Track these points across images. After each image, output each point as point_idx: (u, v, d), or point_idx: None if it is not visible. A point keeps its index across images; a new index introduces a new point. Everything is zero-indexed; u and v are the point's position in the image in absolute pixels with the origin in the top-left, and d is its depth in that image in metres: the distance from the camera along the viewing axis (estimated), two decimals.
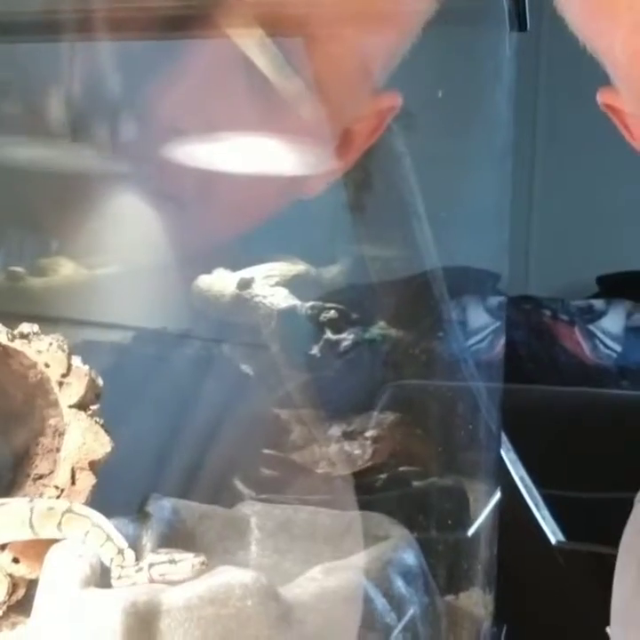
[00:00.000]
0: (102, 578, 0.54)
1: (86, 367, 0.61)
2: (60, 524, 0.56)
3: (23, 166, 0.84)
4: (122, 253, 0.89)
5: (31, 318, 0.68)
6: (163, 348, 0.97)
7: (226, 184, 0.81)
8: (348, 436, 1.01)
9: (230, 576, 0.51)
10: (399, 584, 0.58)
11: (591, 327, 2.01)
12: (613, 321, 2.00)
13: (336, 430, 1.01)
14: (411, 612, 0.58)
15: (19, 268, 0.96)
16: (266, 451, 0.89)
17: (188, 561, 0.54)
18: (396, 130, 0.87)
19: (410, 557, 0.60)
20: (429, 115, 0.88)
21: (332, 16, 0.75)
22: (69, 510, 0.57)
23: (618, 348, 1.96)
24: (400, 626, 0.56)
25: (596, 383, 1.80)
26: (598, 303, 2.07)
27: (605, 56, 0.68)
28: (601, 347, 1.98)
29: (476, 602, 0.73)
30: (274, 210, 0.88)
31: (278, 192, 0.86)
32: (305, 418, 0.98)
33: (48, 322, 0.77)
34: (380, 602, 0.55)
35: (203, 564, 0.54)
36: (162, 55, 0.79)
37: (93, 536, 0.56)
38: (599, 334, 2.00)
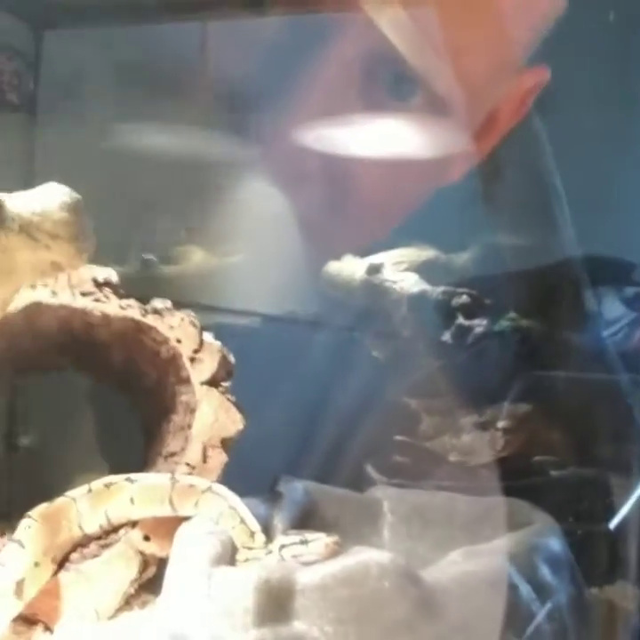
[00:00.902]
0: (233, 558, 0.52)
1: (218, 343, 0.60)
2: (197, 502, 0.56)
3: (156, 154, 0.84)
4: (252, 241, 0.89)
5: None
6: (293, 333, 0.97)
7: (370, 176, 0.80)
8: (479, 426, 0.98)
9: (367, 556, 0.49)
10: (545, 571, 0.54)
11: None
12: None
13: (467, 420, 0.99)
14: (556, 601, 0.54)
15: (152, 256, 0.97)
16: (398, 437, 0.87)
17: (320, 541, 0.52)
18: (533, 109, 0.84)
19: (555, 544, 0.57)
20: (570, 91, 0.84)
21: None
22: (209, 489, 0.56)
23: None
24: (545, 614, 0.53)
25: None
26: None
27: None
28: None
29: (623, 595, 0.69)
30: (420, 199, 0.86)
31: (423, 181, 0.84)
32: (436, 407, 0.96)
33: (180, 308, 0.77)
34: (525, 589, 0.52)
35: (336, 543, 0.52)
36: (297, 40, 0.78)
37: (227, 517, 0.55)
38: None
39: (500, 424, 0.97)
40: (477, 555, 0.52)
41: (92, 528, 0.56)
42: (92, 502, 0.56)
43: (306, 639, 0.47)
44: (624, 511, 0.81)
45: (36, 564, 0.52)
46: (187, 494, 0.56)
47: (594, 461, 0.88)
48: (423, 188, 0.85)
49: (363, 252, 1.11)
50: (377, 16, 0.73)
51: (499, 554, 0.52)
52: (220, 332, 0.82)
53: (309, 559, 0.52)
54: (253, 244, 0.90)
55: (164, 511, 0.56)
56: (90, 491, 0.56)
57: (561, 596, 0.55)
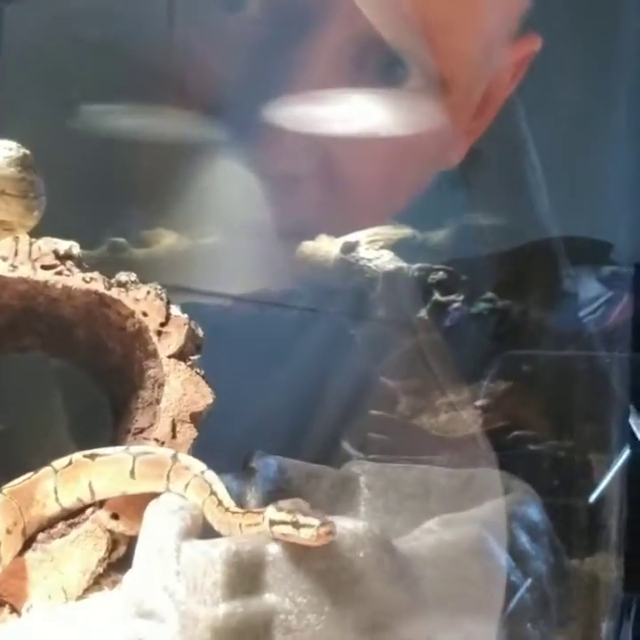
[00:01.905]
0: (203, 531, 0.51)
1: (185, 316, 0.59)
2: (188, 484, 0.54)
3: (126, 135, 0.82)
4: (224, 222, 0.87)
5: None
6: (267, 312, 0.95)
7: (367, 159, 0.78)
8: (457, 405, 0.98)
9: (341, 526, 0.47)
10: (524, 540, 0.53)
11: None
12: None
13: (445, 400, 0.98)
14: (536, 569, 0.53)
15: (122, 239, 0.95)
16: (374, 412, 0.86)
17: (312, 528, 0.47)
18: (517, 97, 0.83)
19: (534, 512, 0.56)
20: (547, 68, 0.83)
21: None
22: (202, 474, 0.54)
23: None
24: (526, 585, 0.52)
25: None
26: None
27: None
28: None
29: (603, 566, 0.68)
30: (420, 183, 0.85)
31: (422, 163, 0.82)
32: (413, 387, 0.95)
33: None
34: (504, 557, 0.51)
35: (329, 533, 0.47)
36: (280, 21, 0.76)
37: (196, 488, 0.54)
38: None
39: (479, 402, 0.96)
40: (454, 523, 0.51)
41: (69, 502, 0.55)
42: (72, 474, 0.55)
43: (277, 611, 0.45)
44: (603, 484, 0.80)
45: (8, 531, 0.51)
46: (181, 475, 0.55)
47: (572, 437, 0.87)
48: (423, 170, 0.84)
49: (338, 231, 1.10)
50: None
51: (476, 522, 0.50)
52: (191, 313, 0.80)
53: (297, 542, 0.48)
54: (226, 226, 0.89)
55: (160, 487, 0.55)
56: (70, 463, 0.55)
57: (540, 565, 0.54)
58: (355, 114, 0.79)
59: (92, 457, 0.54)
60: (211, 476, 0.55)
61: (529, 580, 0.52)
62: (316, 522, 0.47)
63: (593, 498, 0.78)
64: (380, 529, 0.48)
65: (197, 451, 0.59)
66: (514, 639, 0.49)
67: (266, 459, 0.63)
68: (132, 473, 0.54)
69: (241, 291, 0.95)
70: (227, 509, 0.53)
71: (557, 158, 0.86)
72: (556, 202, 0.85)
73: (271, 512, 0.49)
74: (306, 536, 0.47)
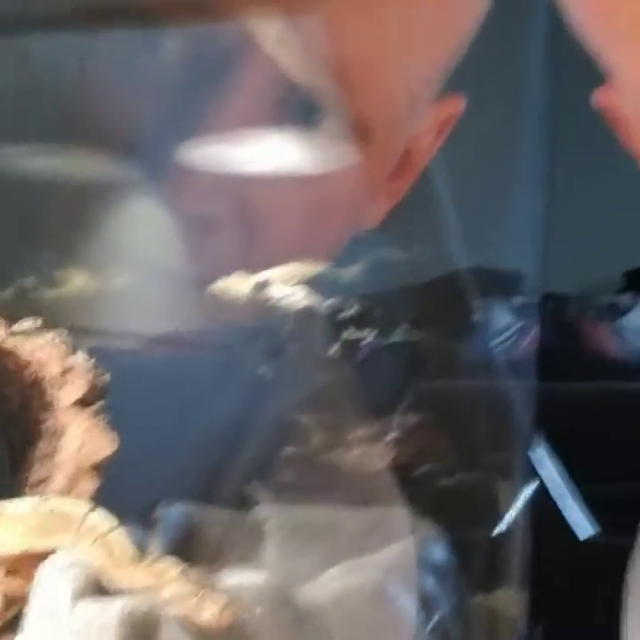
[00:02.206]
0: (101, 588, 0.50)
1: (88, 363, 0.58)
2: (72, 530, 0.53)
3: (34, 176, 0.82)
4: (137, 262, 0.87)
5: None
6: (176, 354, 0.95)
7: (273, 214, 0.78)
8: (369, 439, 0.99)
9: (238, 580, 0.47)
10: (428, 581, 0.54)
11: (618, 323, 1.97)
12: None
13: (357, 434, 0.99)
14: (441, 611, 0.54)
15: (32, 280, 0.94)
16: (286, 450, 0.86)
17: (215, 606, 0.46)
18: None
19: (438, 553, 0.57)
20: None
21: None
22: (83, 513, 0.53)
23: None
24: (429, 626, 0.52)
25: (625, 379, 1.77)
26: (625, 298, 2.03)
27: (604, 57, 0.64)
28: (628, 342, 1.95)
29: (508, 601, 0.69)
30: (339, 238, 0.85)
31: (340, 214, 0.82)
32: (326, 421, 0.96)
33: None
34: (406, 602, 0.51)
35: (232, 613, 0.46)
36: (196, 59, 0.76)
37: (102, 543, 0.53)
38: (626, 330, 1.96)
39: (390, 436, 0.97)
40: (357, 569, 0.51)
41: None
42: None
43: None
44: (508, 517, 0.82)
45: None
46: (87, 530, 0.53)
47: (480, 468, 0.89)
48: (342, 221, 0.84)
49: (250, 269, 1.10)
50: (262, 37, 0.71)
51: (379, 566, 0.51)
52: (100, 356, 0.79)
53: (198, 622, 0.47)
54: (138, 266, 0.88)
55: (64, 543, 0.53)
56: None
57: (444, 607, 0.55)
58: (271, 155, 0.79)
59: None
60: (117, 530, 0.54)
61: (432, 624, 0.53)
62: (220, 600, 0.46)
63: (498, 531, 0.80)
64: (280, 580, 0.48)
65: (100, 501, 0.58)
66: None
67: (171, 506, 0.63)
68: (34, 529, 0.53)
69: (152, 332, 0.94)
70: (129, 563, 0.52)
71: (464, 192, 0.87)
72: (464, 235, 0.87)
73: (174, 587, 0.48)
74: (207, 614, 0.46)
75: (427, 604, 0.53)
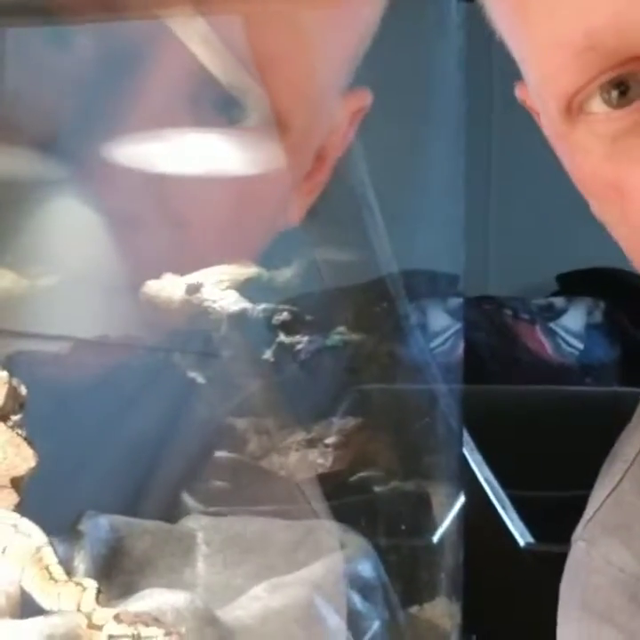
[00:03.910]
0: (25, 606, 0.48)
1: (5, 374, 0.56)
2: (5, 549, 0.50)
3: None
4: (65, 263, 0.84)
5: None
6: (105, 357, 0.92)
7: (195, 213, 0.77)
8: (308, 443, 0.98)
9: (161, 600, 0.45)
10: (355, 599, 0.53)
11: (552, 325, 2.00)
12: (574, 318, 1.99)
13: (295, 438, 0.97)
14: (368, 628, 0.53)
15: None
16: (220, 454, 0.84)
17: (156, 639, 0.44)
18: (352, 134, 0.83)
19: (366, 569, 0.56)
20: (377, 103, 0.84)
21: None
22: (15, 527, 0.50)
23: (579, 345, 1.95)
24: None
25: (559, 381, 1.80)
26: (559, 301, 2.06)
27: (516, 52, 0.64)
28: (563, 345, 1.97)
29: (442, 612, 0.69)
30: (256, 247, 0.84)
31: (259, 228, 0.81)
32: (262, 426, 0.94)
33: None
34: (334, 620, 0.50)
35: None
36: (112, 51, 0.74)
37: (18, 554, 0.50)
38: (560, 332, 1.99)
39: (329, 440, 0.96)
40: (282, 587, 0.50)
41: None
42: None
43: None
44: (444, 525, 0.81)
45: None
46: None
47: (417, 475, 0.88)
48: (265, 218, 0.83)
49: (182, 271, 1.08)
50: (182, 31, 0.70)
51: (305, 584, 0.50)
52: (23, 359, 0.77)
53: None
54: (66, 266, 0.86)
55: None
56: None
57: (373, 623, 0.54)
58: (191, 153, 0.77)
59: None
60: (47, 546, 0.51)
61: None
62: (159, 631, 0.44)
63: (432, 540, 0.79)
64: (203, 600, 0.46)
65: (23, 514, 0.56)
66: None
67: (96, 518, 0.61)
68: None
69: (81, 334, 0.92)
70: (50, 579, 0.50)
71: (401, 195, 0.87)
72: (401, 237, 0.87)
73: (111, 627, 0.45)
74: None
75: (355, 622, 0.52)
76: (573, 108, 0.59)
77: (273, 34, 0.71)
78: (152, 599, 0.46)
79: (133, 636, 0.44)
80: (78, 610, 0.46)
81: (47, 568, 0.49)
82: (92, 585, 0.47)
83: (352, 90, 0.79)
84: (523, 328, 2.02)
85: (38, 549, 0.50)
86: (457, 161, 0.85)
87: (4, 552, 0.50)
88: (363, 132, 0.83)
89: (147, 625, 0.44)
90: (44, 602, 0.49)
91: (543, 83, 0.61)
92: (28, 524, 0.51)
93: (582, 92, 0.58)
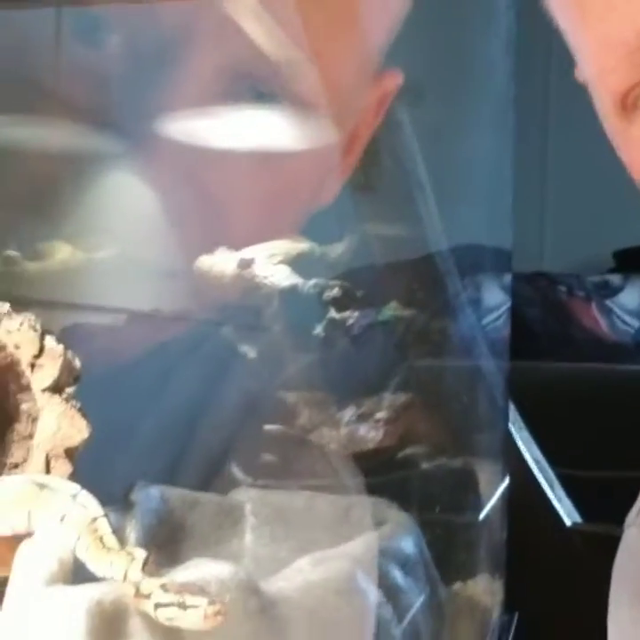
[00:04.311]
0: (78, 572, 0.50)
1: (60, 347, 0.58)
2: (33, 509, 0.52)
3: (16, 146, 0.80)
4: (120, 237, 0.86)
5: (26, 303, 0.65)
6: (158, 330, 0.94)
7: (237, 191, 0.78)
8: (358, 418, 0.98)
9: (206, 570, 0.47)
10: (395, 574, 0.54)
11: (608, 303, 1.97)
12: (630, 296, 1.96)
13: (346, 413, 0.98)
14: (408, 603, 0.54)
15: (14, 253, 0.92)
16: (267, 428, 0.85)
17: (199, 609, 0.45)
18: (403, 106, 0.83)
19: (407, 545, 0.57)
20: (432, 84, 0.84)
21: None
22: (44, 488, 0.51)
23: (635, 323, 1.93)
24: (397, 619, 0.52)
25: (613, 359, 1.77)
26: (615, 278, 2.03)
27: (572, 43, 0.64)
28: (618, 323, 1.95)
29: (485, 589, 0.69)
30: (293, 223, 0.85)
31: (297, 207, 0.82)
32: (313, 401, 0.95)
33: (43, 306, 0.74)
34: (374, 594, 0.51)
35: (217, 613, 0.45)
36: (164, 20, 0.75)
37: (74, 522, 0.52)
38: (616, 310, 1.96)
39: (379, 415, 0.97)
40: (324, 561, 0.51)
41: None
42: None
43: None
44: (489, 503, 0.82)
45: None
46: (53, 507, 0.52)
47: (464, 452, 0.89)
48: (299, 207, 0.84)
49: (235, 246, 1.09)
50: (233, 8, 0.71)
51: (347, 559, 0.51)
52: (80, 332, 0.78)
53: (184, 626, 0.46)
54: (121, 240, 0.87)
55: (25, 526, 0.52)
56: None
57: (413, 598, 0.55)
58: (236, 130, 0.78)
59: None
60: (102, 516, 0.53)
61: (399, 615, 0.53)
62: (203, 601, 0.45)
63: (478, 517, 0.79)
64: (247, 572, 0.48)
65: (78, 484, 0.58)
66: None
67: (147, 489, 0.62)
68: (12, 510, 0.52)
69: (135, 307, 0.93)
70: (103, 547, 0.51)
71: (458, 171, 0.87)
72: (456, 212, 0.87)
73: (158, 594, 0.46)
74: (194, 617, 0.45)
75: (396, 596, 0.53)
76: (628, 105, 0.60)
77: (321, 11, 0.72)
78: (197, 569, 0.48)
79: (179, 603, 0.45)
80: (125, 579, 0.48)
81: (101, 538, 0.51)
82: (141, 554, 0.49)
83: (384, 70, 0.79)
84: (577, 305, 2.00)
85: (94, 520, 0.52)
86: (506, 136, 0.85)
87: (62, 520, 0.52)
88: (414, 110, 0.83)
89: (192, 594, 0.45)
90: (95, 569, 0.51)
91: (598, 78, 0.62)
92: (86, 495, 0.53)
93: (636, 89, 0.59)
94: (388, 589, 0.52)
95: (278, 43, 0.73)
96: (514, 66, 0.81)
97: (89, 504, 0.53)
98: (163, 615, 0.46)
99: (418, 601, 0.55)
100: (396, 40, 0.78)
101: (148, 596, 0.47)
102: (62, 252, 0.95)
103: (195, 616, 0.45)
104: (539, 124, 2.00)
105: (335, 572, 0.49)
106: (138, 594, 0.47)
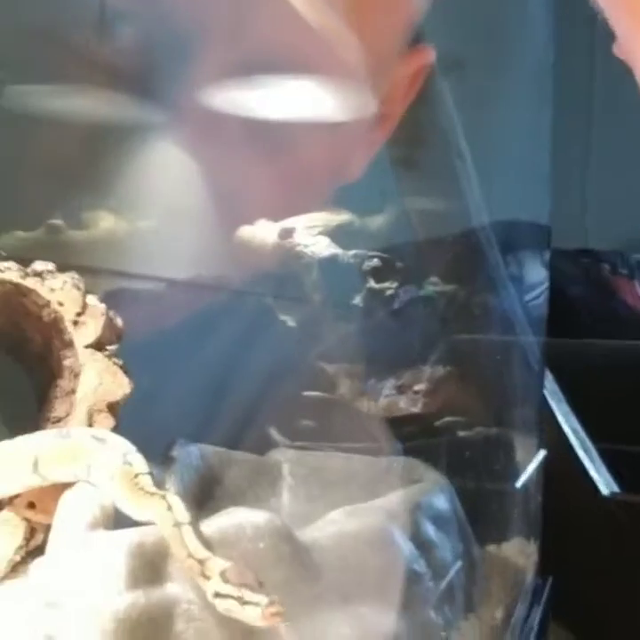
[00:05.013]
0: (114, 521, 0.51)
1: (102, 306, 0.59)
2: (81, 461, 0.53)
3: (61, 116, 0.81)
4: (163, 206, 0.87)
5: (69, 270, 0.66)
6: (199, 297, 0.95)
7: (282, 146, 0.78)
8: (397, 389, 0.99)
9: (242, 516, 0.48)
10: (428, 529, 0.55)
11: None
12: None
13: (385, 384, 0.99)
14: (441, 558, 0.55)
15: (59, 222, 0.94)
16: (306, 394, 0.86)
17: (259, 607, 0.43)
18: (445, 80, 0.83)
19: (441, 502, 0.57)
20: (471, 55, 0.83)
21: None
22: (94, 440, 0.52)
23: None
24: (430, 573, 0.53)
25: None
26: None
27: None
28: None
29: (519, 552, 0.70)
30: (318, 198, 0.85)
31: (327, 177, 0.82)
32: (353, 371, 0.96)
33: (87, 273, 0.75)
34: (407, 547, 0.52)
35: (277, 614, 0.43)
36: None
37: (118, 473, 0.52)
38: None
39: (418, 387, 0.97)
40: (358, 513, 0.52)
41: None
42: None
43: (180, 601, 0.46)
44: (525, 472, 0.82)
45: None
46: (99, 459, 0.53)
47: (502, 423, 0.89)
48: (327, 182, 0.84)
49: (276, 217, 1.10)
50: None
51: (379, 512, 0.51)
52: (124, 296, 0.80)
53: (241, 619, 0.45)
54: (163, 209, 0.88)
55: (73, 476, 0.53)
56: None
57: (446, 553, 0.55)
58: (275, 100, 0.79)
59: None
60: (134, 457, 0.53)
61: (432, 569, 0.54)
62: (263, 600, 0.44)
63: (514, 484, 0.80)
64: (282, 520, 0.48)
65: None
66: (415, 626, 0.50)
67: (187, 447, 0.63)
68: (57, 459, 0.53)
69: (176, 275, 0.95)
70: (139, 490, 0.51)
71: (501, 146, 0.86)
72: (499, 188, 0.86)
73: (216, 583, 0.45)
74: (252, 614, 0.44)
75: (429, 551, 0.54)
76: None
77: None
78: (233, 516, 0.49)
79: (238, 598, 0.44)
80: (189, 556, 0.46)
81: (137, 482, 0.52)
82: (176, 500, 0.50)
83: (417, 45, 0.79)
84: (621, 283, 1.98)
85: (130, 463, 0.53)
86: (547, 107, 0.84)
87: (108, 472, 0.53)
88: (454, 85, 0.83)
89: (252, 590, 0.44)
90: (131, 512, 0.51)
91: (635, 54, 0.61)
92: (135, 454, 0.54)
93: None
94: (422, 544, 0.53)
95: (320, 10, 0.73)
96: (554, 33, 0.80)
97: (136, 461, 0.53)
98: (220, 605, 0.45)
99: (451, 556, 0.55)
100: (435, 10, 0.77)
101: (208, 578, 0.46)
102: (106, 222, 0.96)
103: (253, 613, 0.44)
104: (583, 96, 1.97)
105: (368, 523, 0.50)
106: (201, 573, 0.46)
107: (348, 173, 0.82)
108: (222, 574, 0.46)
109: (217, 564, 0.46)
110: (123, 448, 0.54)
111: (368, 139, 0.80)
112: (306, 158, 0.79)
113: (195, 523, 0.48)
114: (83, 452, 0.53)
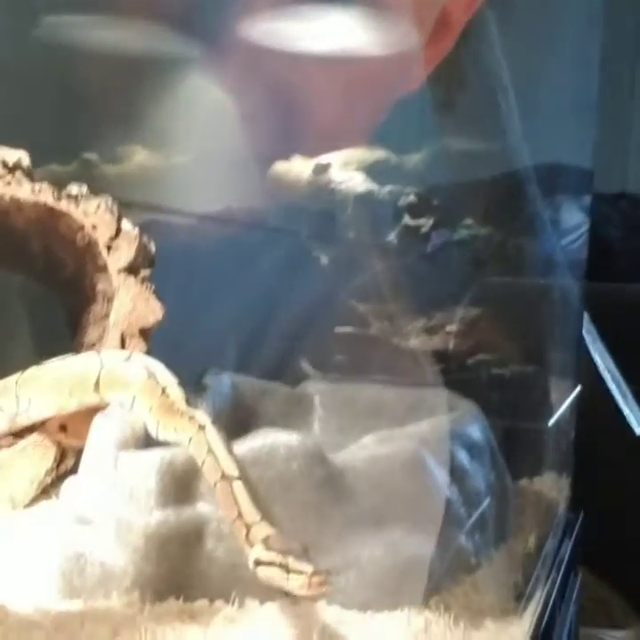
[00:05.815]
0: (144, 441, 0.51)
1: (136, 230, 0.58)
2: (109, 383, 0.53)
3: (99, 48, 0.81)
4: (196, 140, 0.86)
5: None
6: (234, 232, 0.95)
7: (323, 80, 0.77)
8: (429, 330, 0.98)
9: (275, 437, 0.48)
10: (461, 456, 0.54)
11: None
12: None
13: (417, 324, 0.98)
14: (474, 486, 0.54)
15: (94, 155, 0.93)
16: (338, 329, 0.86)
17: (303, 576, 0.41)
18: (491, 19, 0.81)
19: (475, 431, 0.57)
20: None
21: None
22: (127, 360, 0.53)
23: None
24: (462, 499, 0.53)
25: None
26: None
27: None
28: None
29: (551, 486, 0.69)
30: (380, 107, 0.83)
31: (381, 84, 0.81)
32: (384, 311, 0.95)
33: (120, 206, 0.75)
34: (438, 473, 0.51)
35: (322, 583, 0.41)
36: None
37: (148, 391, 0.52)
38: None
39: (450, 328, 0.96)
40: (390, 439, 0.51)
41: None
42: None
43: (210, 519, 0.46)
44: (559, 409, 0.82)
45: None
46: (128, 380, 0.53)
47: (536, 362, 0.88)
48: (381, 93, 0.82)
49: (311, 152, 1.09)
50: None
51: (411, 438, 0.51)
52: (155, 230, 0.79)
53: (283, 588, 0.42)
54: (198, 144, 0.88)
55: (96, 398, 0.54)
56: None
57: (479, 482, 0.55)
58: (320, 31, 0.77)
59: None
60: (164, 378, 0.53)
61: (465, 497, 0.53)
62: (308, 568, 0.41)
63: (547, 421, 0.79)
64: (314, 442, 0.48)
65: None
66: (447, 552, 0.50)
67: (219, 375, 0.63)
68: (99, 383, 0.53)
69: (209, 209, 0.94)
70: (171, 409, 0.51)
71: (541, 88, 0.85)
72: (537, 130, 0.85)
73: (258, 550, 0.43)
74: (296, 584, 0.41)
75: (461, 478, 0.53)
76: None
77: None
78: (266, 437, 0.49)
79: (281, 565, 0.42)
80: (239, 516, 0.44)
81: (170, 402, 0.51)
82: (206, 420, 0.50)
83: None
84: None
85: (163, 388, 0.53)
86: (592, 55, 0.82)
87: (142, 402, 0.53)
88: (499, 25, 0.81)
89: (296, 558, 0.42)
90: (162, 432, 0.51)
91: None
92: (157, 365, 0.54)
93: None
94: (454, 471, 0.53)
95: None
96: None
97: (160, 372, 0.53)
98: (262, 573, 0.43)
99: (483, 485, 0.55)
100: None
101: (252, 544, 0.44)
102: (139, 156, 0.96)
103: (297, 582, 0.41)
104: (628, 39, 1.92)
105: (401, 448, 0.50)
106: (246, 538, 0.44)
107: (405, 87, 0.81)
108: (265, 541, 0.43)
109: (261, 529, 0.44)
110: (166, 380, 0.53)
111: (428, 50, 0.79)
112: (348, 88, 0.78)
113: (242, 476, 0.46)
114: (133, 382, 0.53)
